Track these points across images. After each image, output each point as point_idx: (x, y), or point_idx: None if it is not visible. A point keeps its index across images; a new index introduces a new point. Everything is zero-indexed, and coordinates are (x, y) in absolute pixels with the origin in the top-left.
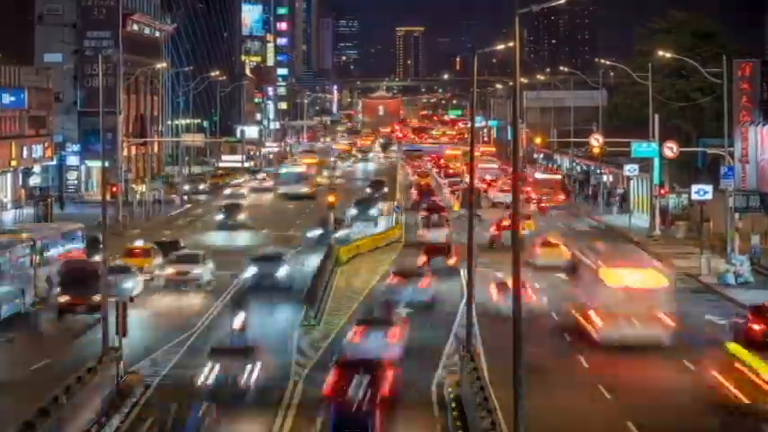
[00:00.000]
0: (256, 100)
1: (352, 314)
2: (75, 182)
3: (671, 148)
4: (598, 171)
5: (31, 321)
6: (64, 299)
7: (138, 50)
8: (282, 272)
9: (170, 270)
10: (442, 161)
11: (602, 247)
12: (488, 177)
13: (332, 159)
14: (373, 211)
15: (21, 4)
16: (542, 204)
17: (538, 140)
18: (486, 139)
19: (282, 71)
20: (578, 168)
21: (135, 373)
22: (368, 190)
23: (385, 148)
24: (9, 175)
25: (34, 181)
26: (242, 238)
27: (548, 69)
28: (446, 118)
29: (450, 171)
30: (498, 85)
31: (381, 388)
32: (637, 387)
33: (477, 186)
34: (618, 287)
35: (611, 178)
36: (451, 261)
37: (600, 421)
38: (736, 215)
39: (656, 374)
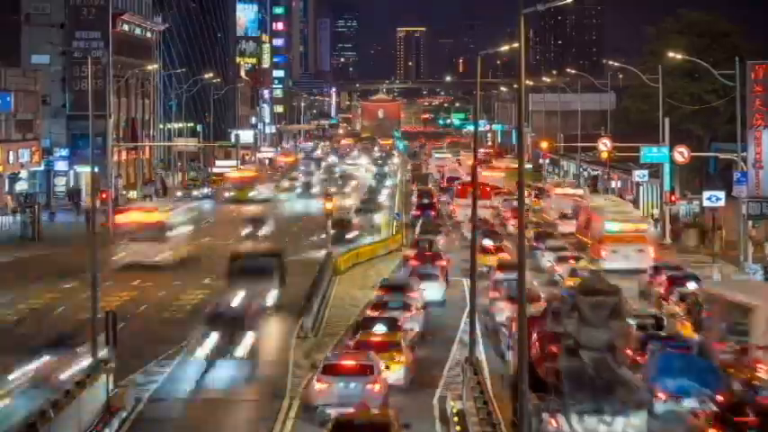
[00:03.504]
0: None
1: (350, 327)
2: (64, 188)
3: (682, 153)
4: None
5: None
6: None
7: (129, 52)
8: None
9: None
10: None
11: None
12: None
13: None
14: None
15: (7, 4)
16: None
17: (544, 145)
18: (490, 143)
19: (279, 73)
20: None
21: (125, 386)
22: None
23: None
24: None
25: (21, 187)
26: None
27: (554, 71)
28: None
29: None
30: (503, 88)
31: None
32: None
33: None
34: None
35: (619, 184)
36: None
37: None
38: (750, 222)
39: None
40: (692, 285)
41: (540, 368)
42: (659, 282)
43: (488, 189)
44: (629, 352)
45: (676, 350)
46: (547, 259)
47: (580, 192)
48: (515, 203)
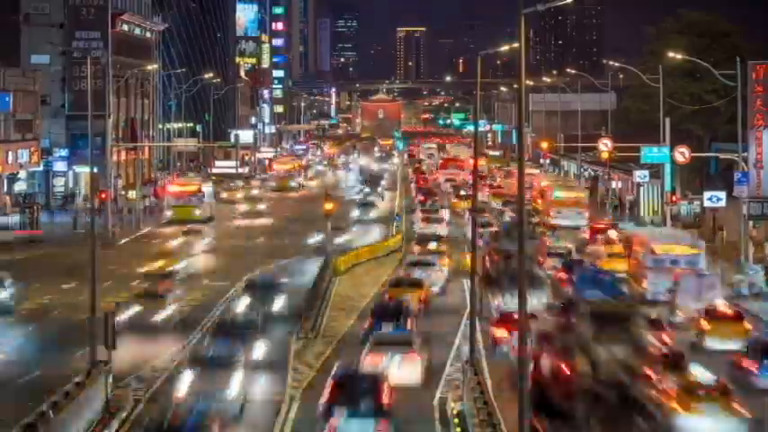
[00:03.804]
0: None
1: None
2: (63, 188)
3: (683, 153)
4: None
5: None
6: None
7: (129, 51)
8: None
9: None
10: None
11: None
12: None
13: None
14: None
15: (7, 4)
16: None
17: (544, 145)
18: (490, 143)
19: (278, 73)
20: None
21: (124, 387)
22: None
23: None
24: None
25: (20, 187)
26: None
27: (554, 71)
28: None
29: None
30: (503, 88)
31: None
32: None
33: None
34: None
35: (620, 185)
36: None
37: None
38: (750, 223)
39: None
40: (612, 234)
41: (491, 269)
42: (585, 231)
43: (464, 164)
44: (541, 259)
45: (592, 272)
46: (508, 215)
47: (536, 171)
48: (488, 180)
